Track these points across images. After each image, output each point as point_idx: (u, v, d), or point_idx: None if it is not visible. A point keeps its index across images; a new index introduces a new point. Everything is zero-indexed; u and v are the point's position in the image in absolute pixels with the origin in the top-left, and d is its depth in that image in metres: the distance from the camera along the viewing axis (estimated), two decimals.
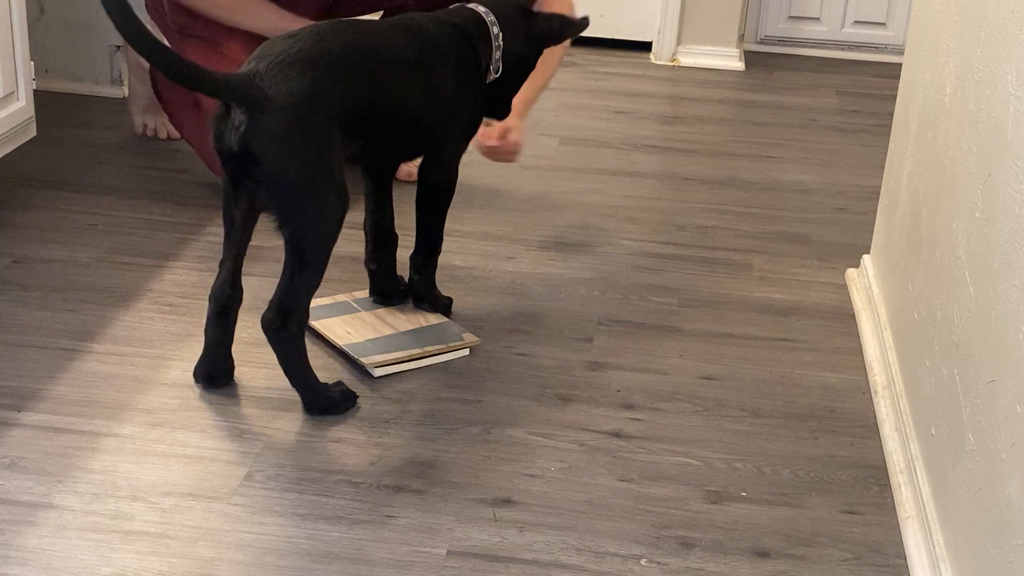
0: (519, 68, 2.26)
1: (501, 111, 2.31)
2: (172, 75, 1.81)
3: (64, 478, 1.77)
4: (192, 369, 2.01)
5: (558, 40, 2.31)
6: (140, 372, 2.04)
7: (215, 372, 2.01)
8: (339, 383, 1.99)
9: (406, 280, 2.29)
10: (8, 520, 1.68)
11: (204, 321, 1.99)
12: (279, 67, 1.85)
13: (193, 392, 1.99)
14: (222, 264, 1.97)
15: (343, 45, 1.93)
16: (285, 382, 1.97)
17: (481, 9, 2.19)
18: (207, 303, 1.98)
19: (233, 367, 2.03)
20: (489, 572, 1.64)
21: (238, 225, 1.94)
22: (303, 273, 1.89)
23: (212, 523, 1.69)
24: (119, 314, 2.21)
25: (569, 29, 2.30)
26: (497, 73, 2.19)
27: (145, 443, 1.86)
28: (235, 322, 2.00)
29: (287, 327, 1.90)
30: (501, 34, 2.18)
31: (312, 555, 1.64)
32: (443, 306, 2.28)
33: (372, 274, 2.28)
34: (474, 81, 2.15)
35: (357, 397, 1.99)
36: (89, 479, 1.77)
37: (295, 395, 1.98)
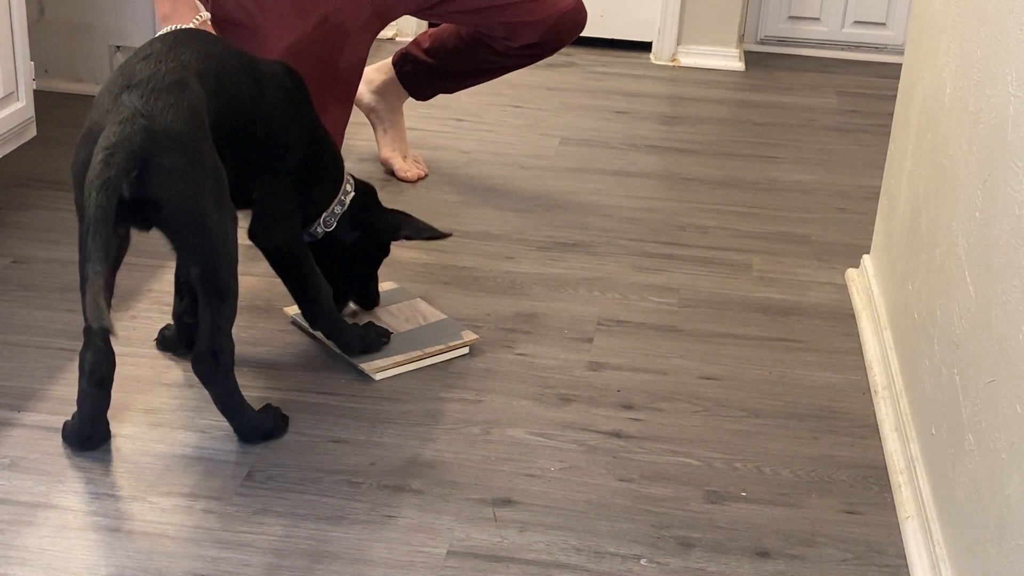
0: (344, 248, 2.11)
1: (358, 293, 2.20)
2: None
3: (64, 478, 1.77)
4: (186, 371, 2.00)
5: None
6: (140, 372, 2.04)
7: (92, 435, 1.84)
8: (268, 406, 1.91)
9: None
10: (8, 520, 1.68)
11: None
12: (153, 95, 1.70)
13: (193, 392, 1.99)
14: (90, 333, 1.78)
15: (198, 54, 1.81)
16: (283, 383, 1.97)
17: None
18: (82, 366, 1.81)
19: (109, 430, 1.87)
20: (489, 572, 1.64)
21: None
22: (223, 307, 1.78)
23: (212, 523, 1.69)
24: (119, 314, 2.20)
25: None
26: (329, 228, 2.07)
27: (145, 443, 1.86)
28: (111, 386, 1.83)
29: (220, 366, 1.80)
30: (351, 197, 2.09)
31: (312, 555, 1.64)
32: (364, 342, 2.09)
33: (187, 327, 2.05)
34: (303, 143, 2.00)
35: (288, 419, 1.91)
36: (89, 479, 1.77)
37: (294, 396, 1.98)
